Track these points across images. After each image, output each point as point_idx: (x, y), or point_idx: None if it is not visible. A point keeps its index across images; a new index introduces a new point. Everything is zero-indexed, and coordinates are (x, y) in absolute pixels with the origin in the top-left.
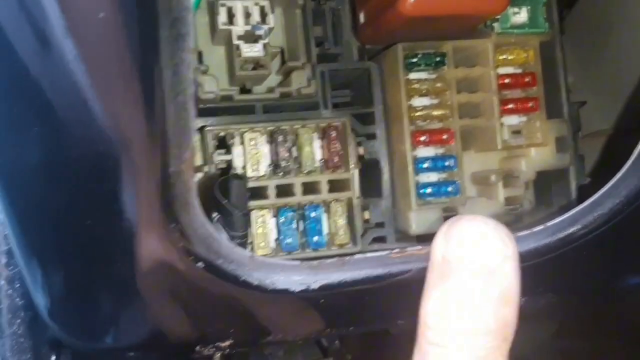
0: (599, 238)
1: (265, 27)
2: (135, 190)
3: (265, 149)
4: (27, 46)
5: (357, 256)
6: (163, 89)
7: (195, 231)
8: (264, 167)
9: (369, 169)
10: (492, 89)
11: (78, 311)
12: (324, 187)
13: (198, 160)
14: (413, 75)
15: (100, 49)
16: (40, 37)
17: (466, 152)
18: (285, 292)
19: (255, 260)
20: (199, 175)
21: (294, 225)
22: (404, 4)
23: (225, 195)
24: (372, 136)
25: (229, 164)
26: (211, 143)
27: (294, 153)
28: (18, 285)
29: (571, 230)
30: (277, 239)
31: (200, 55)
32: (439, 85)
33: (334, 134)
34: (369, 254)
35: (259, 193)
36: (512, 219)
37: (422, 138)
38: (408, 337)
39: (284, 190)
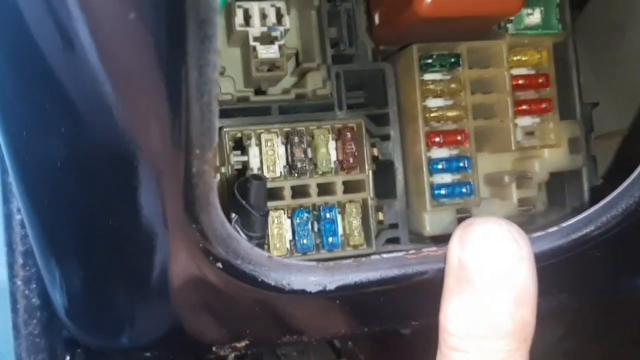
0: (612, 239)
1: (282, 28)
2: (159, 190)
3: (281, 150)
4: (55, 48)
5: (372, 257)
6: (189, 89)
7: (214, 231)
8: (279, 168)
9: (383, 170)
10: (506, 90)
11: (95, 311)
12: (339, 188)
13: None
14: (428, 76)
15: (129, 50)
16: (68, 38)
17: (480, 153)
18: (301, 293)
19: (273, 261)
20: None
21: (309, 226)
22: (420, 5)
23: (243, 196)
24: (386, 137)
25: (245, 165)
26: (228, 144)
27: (310, 154)
28: (34, 285)
29: (585, 231)
30: (292, 240)
31: None
32: (453, 86)
33: (349, 135)
34: (384, 255)
35: (274, 194)
36: (526, 220)
37: (437, 139)
38: (420, 337)
39: (300, 191)
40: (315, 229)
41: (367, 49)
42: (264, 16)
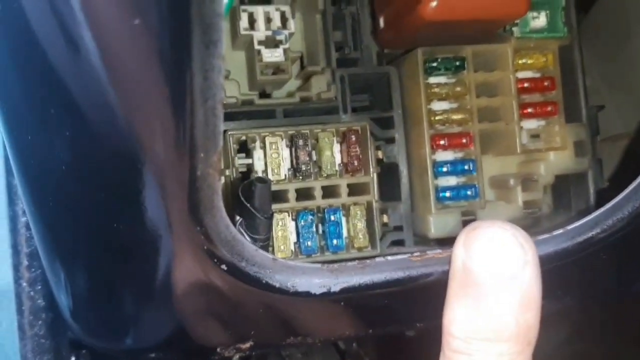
0: (618, 242)
1: (286, 32)
2: (163, 193)
3: (285, 153)
4: (60, 53)
5: (377, 259)
6: (193, 94)
7: (219, 234)
8: (284, 171)
9: (388, 173)
10: (512, 93)
11: (100, 312)
12: (344, 190)
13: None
14: (433, 79)
15: (134, 55)
16: (74, 43)
17: (485, 156)
18: (306, 295)
19: (278, 263)
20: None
21: (314, 229)
22: (425, 8)
23: (248, 198)
24: (391, 140)
25: (249, 168)
26: (233, 147)
27: (314, 157)
28: (39, 287)
29: (591, 234)
30: (296, 242)
31: None
32: (458, 89)
33: (353, 138)
34: (389, 257)
35: (279, 196)
36: (531, 223)
37: (442, 142)
38: (424, 340)
39: (304, 194)
40: (320, 231)
41: (372, 52)
42: (268, 20)
